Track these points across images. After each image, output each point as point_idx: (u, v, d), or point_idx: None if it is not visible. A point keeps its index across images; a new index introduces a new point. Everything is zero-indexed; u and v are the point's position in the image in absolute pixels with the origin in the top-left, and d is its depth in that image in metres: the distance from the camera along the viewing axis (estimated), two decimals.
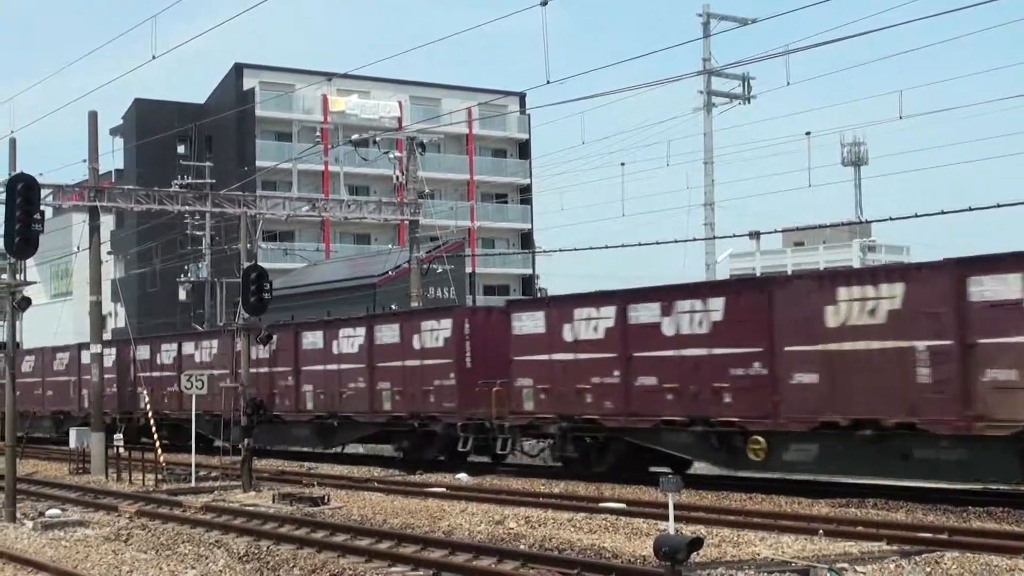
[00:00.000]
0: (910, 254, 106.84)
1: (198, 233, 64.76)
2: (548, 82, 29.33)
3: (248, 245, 34.14)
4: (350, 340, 35.18)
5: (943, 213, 33.79)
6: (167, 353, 44.37)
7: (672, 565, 13.11)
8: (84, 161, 38.47)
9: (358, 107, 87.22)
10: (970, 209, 32.34)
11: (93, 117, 37.40)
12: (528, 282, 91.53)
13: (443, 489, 27.47)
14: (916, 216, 51.05)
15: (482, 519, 21.86)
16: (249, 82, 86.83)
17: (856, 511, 21.41)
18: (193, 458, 32.00)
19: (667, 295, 26.36)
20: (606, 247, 66.12)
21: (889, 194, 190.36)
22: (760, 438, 24.27)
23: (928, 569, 15.52)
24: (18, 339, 27.89)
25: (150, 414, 37.08)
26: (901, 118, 60.19)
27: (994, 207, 32.36)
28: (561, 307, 29.17)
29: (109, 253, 75.74)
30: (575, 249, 78.59)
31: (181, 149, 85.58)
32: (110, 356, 45.29)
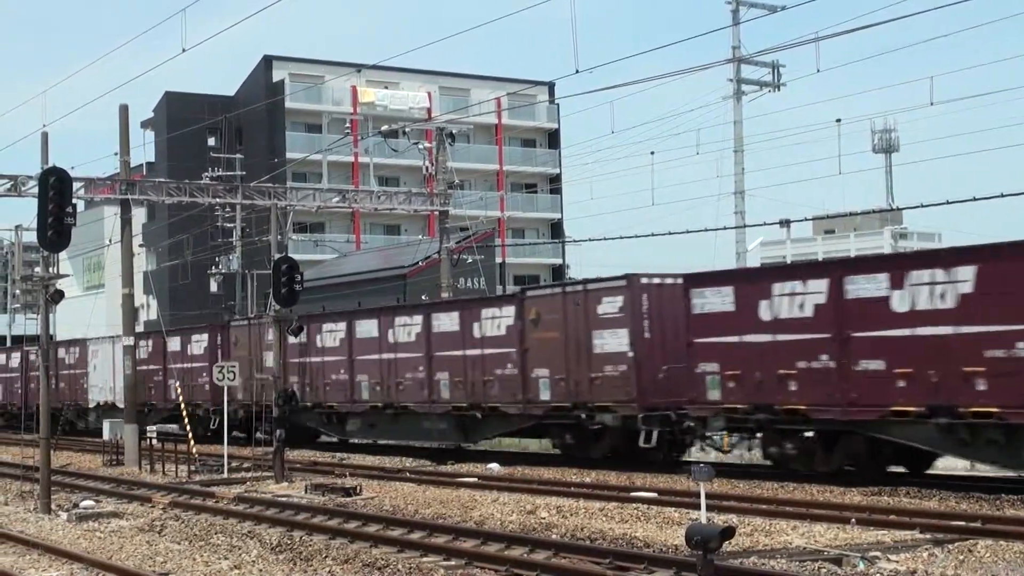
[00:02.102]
0: (942, 241, 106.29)
1: (229, 225, 64.84)
2: (577, 71, 29.38)
3: (279, 237, 34.29)
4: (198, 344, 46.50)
5: (975, 200, 33.64)
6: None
7: (704, 554, 13.08)
8: (115, 154, 38.59)
9: (387, 98, 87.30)
10: (1002, 196, 32.18)
11: (124, 110, 37.54)
12: (558, 272, 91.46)
13: (474, 479, 27.51)
14: (948, 203, 50.96)
15: (513, 509, 21.88)
16: (279, 74, 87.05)
17: (889, 499, 21.34)
18: (225, 449, 32.14)
19: (316, 320, 38.88)
20: (636, 236, 65.95)
21: (921, 181, 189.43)
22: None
23: (961, 557, 15.46)
24: (52, 332, 28.06)
25: (183, 406, 37.26)
26: (932, 104, 59.60)
27: None
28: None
29: (141, 246, 76.03)
30: (605, 239, 78.73)
31: (211, 141, 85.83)
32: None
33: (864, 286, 22.92)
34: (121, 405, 40.35)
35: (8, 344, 79.90)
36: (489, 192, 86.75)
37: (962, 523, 17.97)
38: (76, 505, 25.06)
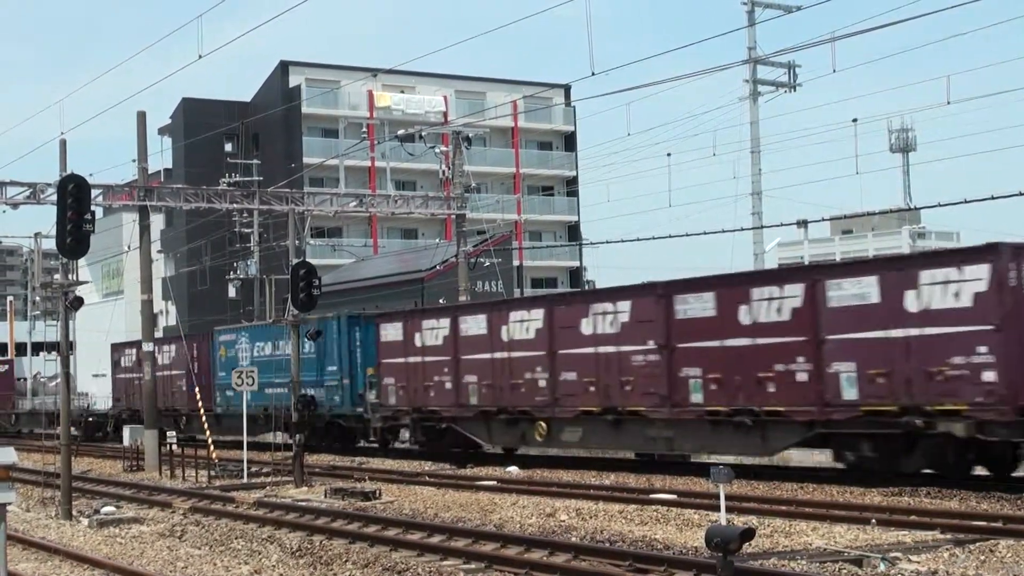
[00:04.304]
0: (960, 240, 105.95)
1: (246, 231, 65.08)
2: (593, 73, 29.44)
3: (296, 242, 34.32)
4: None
5: (993, 198, 33.60)
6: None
7: (724, 556, 13.08)
8: (133, 161, 38.78)
9: (404, 102, 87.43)
10: (1020, 194, 32.07)
11: (141, 117, 37.69)
12: (576, 274, 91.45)
13: (494, 482, 27.51)
14: (966, 202, 50.43)
15: (533, 512, 21.89)
16: (295, 79, 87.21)
17: (909, 500, 21.27)
18: (245, 454, 32.22)
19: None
20: (653, 238, 65.86)
21: (938, 180, 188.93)
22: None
23: (982, 558, 15.41)
24: (71, 338, 28.17)
25: (202, 412, 37.35)
26: (949, 103, 59.58)
27: None
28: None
29: (159, 252, 76.28)
30: (622, 241, 78.65)
31: (229, 147, 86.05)
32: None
33: (428, 328, 33.94)
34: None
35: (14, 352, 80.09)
36: (506, 195, 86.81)
37: (983, 523, 17.91)
38: (97, 511, 25.13)
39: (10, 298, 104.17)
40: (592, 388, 28.59)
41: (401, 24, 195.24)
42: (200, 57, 33.82)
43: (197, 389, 42.48)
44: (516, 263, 67.72)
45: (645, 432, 27.66)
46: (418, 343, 34.14)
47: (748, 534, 13.35)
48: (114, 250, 75.37)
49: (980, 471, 23.41)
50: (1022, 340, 20.86)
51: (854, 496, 22.04)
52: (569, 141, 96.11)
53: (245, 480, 30.74)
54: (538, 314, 30.35)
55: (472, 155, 54.82)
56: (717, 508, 15.47)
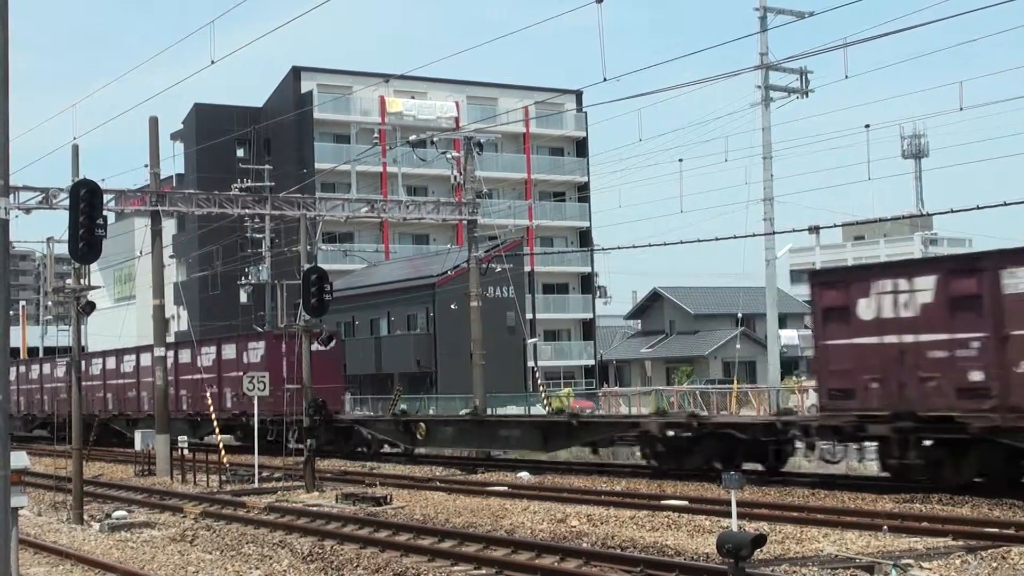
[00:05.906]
0: (972, 246, 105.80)
1: (258, 236, 65.02)
2: (604, 79, 29.23)
3: (308, 247, 34.32)
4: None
5: (1005, 204, 33.66)
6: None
7: (736, 562, 13.04)
8: (145, 166, 38.81)
9: (415, 108, 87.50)
10: None
11: (154, 123, 37.72)
12: (587, 280, 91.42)
13: (505, 488, 27.50)
14: (978, 208, 50.21)
15: (544, 517, 21.87)
16: (307, 85, 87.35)
17: (921, 507, 21.23)
18: (256, 459, 32.22)
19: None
20: (664, 244, 65.69)
21: (950, 186, 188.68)
22: None
23: (995, 564, 15.37)
24: (83, 343, 28.24)
25: (214, 417, 37.36)
26: (961, 109, 59.15)
27: None
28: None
29: (171, 257, 76.50)
30: (633, 247, 78.12)
31: (240, 152, 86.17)
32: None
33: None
34: None
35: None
36: (517, 201, 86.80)
37: (995, 530, 17.87)
38: (108, 515, 25.17)
39: (23, 303, 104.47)
40: None
41: (413, 30, 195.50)
42: (212, 63, 33.77)
43: None
44: (527, 269, 67.70)
45: None
46: None
47: (759, 540, 13.31)
48: (126, 255, 75.66)
49: None
50: None
51: (865, 503, 22.01)
52: (580, 147, 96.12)
53: (256, 485, 30.75)
54: None
55: (484, 161, 54.74)
56: (728, 514, 15.43)
